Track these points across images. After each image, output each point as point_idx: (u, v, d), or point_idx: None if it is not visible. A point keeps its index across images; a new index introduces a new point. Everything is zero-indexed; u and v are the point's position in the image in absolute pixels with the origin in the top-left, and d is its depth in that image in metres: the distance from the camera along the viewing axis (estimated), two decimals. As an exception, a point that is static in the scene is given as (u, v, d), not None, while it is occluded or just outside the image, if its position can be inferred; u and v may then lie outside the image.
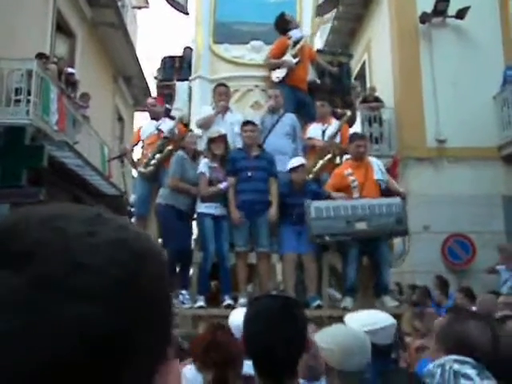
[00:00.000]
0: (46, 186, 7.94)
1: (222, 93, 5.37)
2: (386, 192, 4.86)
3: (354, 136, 5.15)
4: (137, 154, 5.99)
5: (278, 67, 5.71)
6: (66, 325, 0.38)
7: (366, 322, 2.13)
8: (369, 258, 4.87)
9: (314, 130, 5.32)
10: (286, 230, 4.73)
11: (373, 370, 2.00)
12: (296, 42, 5.77)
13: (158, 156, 5.22)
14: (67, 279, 0.39)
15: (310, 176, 4.97)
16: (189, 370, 1.99)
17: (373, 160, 5.06)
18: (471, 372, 1.13)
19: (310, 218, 4.54)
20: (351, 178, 4.80)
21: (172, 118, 5.94)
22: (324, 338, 1.98)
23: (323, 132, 5.28)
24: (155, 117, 5.72)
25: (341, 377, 1.80)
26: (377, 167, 4.93)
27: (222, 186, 4.65)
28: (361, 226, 4.57)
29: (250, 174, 4.72)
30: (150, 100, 5.93)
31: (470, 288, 5.98)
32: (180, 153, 4.89)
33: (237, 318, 2.01)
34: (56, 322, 0.38)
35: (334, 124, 5.35)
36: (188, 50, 7.09)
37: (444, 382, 1.13)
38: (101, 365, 0.39)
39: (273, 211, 4.70)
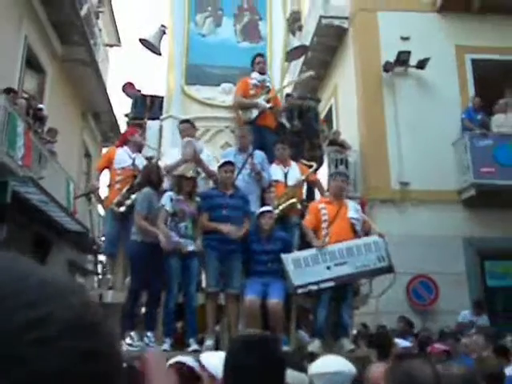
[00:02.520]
0: (7, 223, 7.71)
1: (182, 130, 5.50)
2: (363, 233, 4.96)
3: (337, 173, 5.33)
4: (103, 189, 5.84)
5: (250, 107, 5.84)
6: None
7: (320, 364, 2.13)
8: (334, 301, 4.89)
9: (275, 172, 5.41)
10: (253, 279, 4.67)
11: None
12: (259, 84, 5.93)
13: (133, 196, 5.14)
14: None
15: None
16: None
17: (348, 201, 5.19)
18: None
19: (288, 271, 4.56)
20: (323, 211, 4.92)
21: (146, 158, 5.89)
22: None
23: (285, 174, 5.40)
24: (135, 149, 5.67)
25: None
26: (352, 207, 5.04)
27: (174, 238, 4.57)
28: (342, 270, 4.62)
29: (225, 212, 4.72)
30: (137, 137, 5.85)
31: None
32: (146, 189, 4.83)
33: (213, 360, 1.98)
34: None
35: (294, 167, 5.47)
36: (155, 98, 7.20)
37: None
38: None
39: (233, 230, 4.65)
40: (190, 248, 4.60)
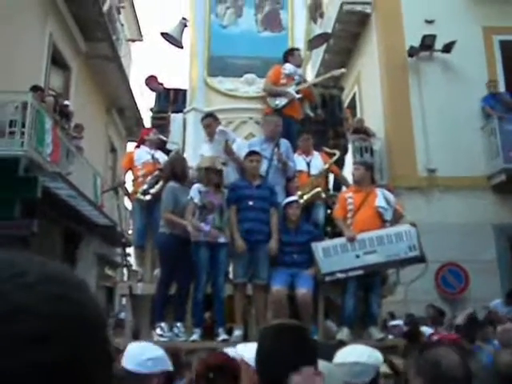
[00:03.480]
0: (38, 219, 7.90)
1: (205, 126, 5.55)
2: (392, 222, 4.90)
3: (355, 163, 5.32)
4: (129, 183, 5.99)
5: (278, 95, 5.84)
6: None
7: (342, 354, 2.06)
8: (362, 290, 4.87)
9: (298, 162, 5.38)
10: (280, 269, 4.68)
11: None
12: (290, 75, 5.92)
13: (157, 186, 5.23)
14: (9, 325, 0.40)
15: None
16: None
17: (379, 189, 5.12)
18: None
19: (317, 259, 4.55)
20: (349, 200, 4.92)
21: (165, 151, 5.98)
22: None
23: (308, 164, 5.37)
24: (153, 147, 5.81)
25: None
26: (381, 196, 4.96)
27: (205, 228, 4.60)
28: (371, 258, 4.58)
29: (251, 203, 4.73)
30: (152, 135, 6.02)
31: None
32: (170, 184, 4.87)
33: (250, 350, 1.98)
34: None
35: (317, 156, 5.44)
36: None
37: None
38: None
39: (273, 244, 4.68)
40: (219, 239, 4.63)
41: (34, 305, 0.41)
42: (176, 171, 4.91)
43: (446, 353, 1.65)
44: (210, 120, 5.55)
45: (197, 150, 5.75)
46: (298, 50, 6.19)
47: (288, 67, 5.97)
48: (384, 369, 2.42)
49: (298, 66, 6.04)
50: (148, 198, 5.19)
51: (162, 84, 7.44)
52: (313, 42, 7.06)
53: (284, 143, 5.34)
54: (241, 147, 5.33)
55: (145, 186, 5.28)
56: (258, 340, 1.46)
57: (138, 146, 6.11)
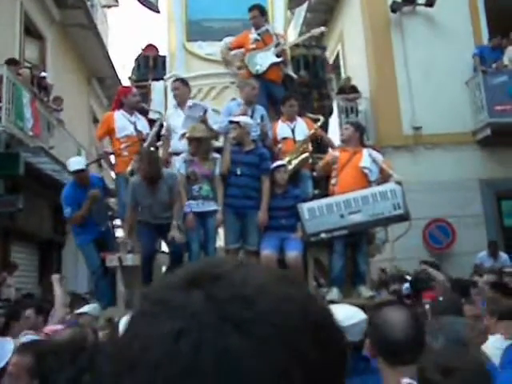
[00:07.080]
0: (24, 194, 7.81)
1: (172, 88, 5.40)
2: (378, 183, 4.91)
3: (346, 123, 5.30)
4: (110, 150, 5.63)
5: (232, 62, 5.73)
6: None
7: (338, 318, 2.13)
8: (349, 249, 4.92)
9: (282, 129, 5.29)
10: (270, 234, 4.70)
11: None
12: (260, 38, 5.74)
13: None
14: None
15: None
16: None
17: (365, 149, 5.09)
18: None
19: (303, 220, 4.57)
20: (335, 159, 4.97)
21: (143, 112, 5.75)
22: None
23: (292, 130, 5.30)
24: (132, 108, 5.42)
25: None
26: (367, 156, 4.95)
27: (188, 209, 4.57)
28: (356, 217, 4.60)
29: (239, 170, 4.69)
30: (134, 90, 5.57)
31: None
32: (132, 179, 4.72)
33: None
34: None
35: (300, 122, 5.35)
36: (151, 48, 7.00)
37: None
38: None
39: (261, 212, 4.66)
40: (208, 208, 4.62)
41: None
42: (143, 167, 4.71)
43: (391, 312, 1.66)
44: (178, 83, 5.33)
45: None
46: (252, 9, 5.79)
47: (254, 31, 5.78)
48: None
49: (257, 27, 5.80)
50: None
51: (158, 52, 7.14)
52: (294, 1, 6.88)
53: (259, 109, 5.24)
54: (222, 113, 5.25)
55: (130, 167, 5.07)
56: None
57: (116, 108, 5.56)
